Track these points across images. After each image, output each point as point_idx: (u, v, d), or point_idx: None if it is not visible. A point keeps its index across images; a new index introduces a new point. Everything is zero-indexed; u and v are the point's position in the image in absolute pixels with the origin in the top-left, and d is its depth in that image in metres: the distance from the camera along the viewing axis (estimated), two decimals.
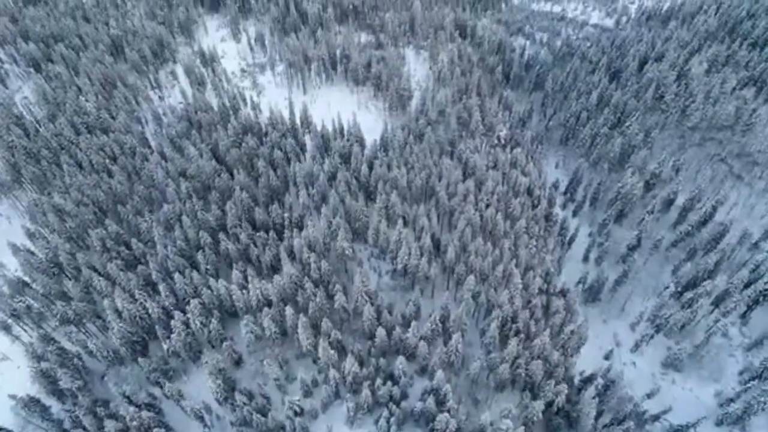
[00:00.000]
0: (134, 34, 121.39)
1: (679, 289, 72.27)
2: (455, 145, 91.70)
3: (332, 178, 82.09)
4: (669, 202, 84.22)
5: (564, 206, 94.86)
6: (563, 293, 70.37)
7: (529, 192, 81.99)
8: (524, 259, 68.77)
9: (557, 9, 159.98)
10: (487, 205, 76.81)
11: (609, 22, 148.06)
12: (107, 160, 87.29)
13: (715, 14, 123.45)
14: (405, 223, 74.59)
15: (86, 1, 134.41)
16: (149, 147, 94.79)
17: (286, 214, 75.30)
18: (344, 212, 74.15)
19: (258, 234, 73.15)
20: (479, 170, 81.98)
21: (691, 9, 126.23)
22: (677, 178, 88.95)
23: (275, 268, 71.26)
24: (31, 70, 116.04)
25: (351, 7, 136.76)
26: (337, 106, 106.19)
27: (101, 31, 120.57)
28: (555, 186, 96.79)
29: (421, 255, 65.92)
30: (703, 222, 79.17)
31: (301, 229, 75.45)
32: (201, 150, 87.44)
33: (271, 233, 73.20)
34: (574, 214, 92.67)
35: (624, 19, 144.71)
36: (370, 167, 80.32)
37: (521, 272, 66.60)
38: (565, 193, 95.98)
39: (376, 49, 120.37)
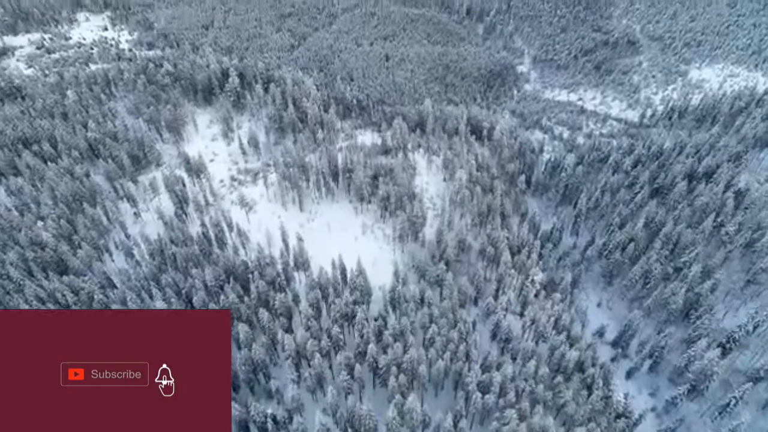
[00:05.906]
0: (114, 136, 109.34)
1: None
2: (481, 292, 76.00)
3: (333, 348, 65.52)
4: (756, 379, 66.95)
5: (613, 359, 77.50)
6: None
7: (581, 368, 64.96)
8: None
9: (573, 97, 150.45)
10: (531, 394, 59.65)
11: (632, 115, 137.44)
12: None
13: (756, 108, 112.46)
14: (425, 426, 57.24)
15: (69, 95, 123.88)
16: (114, 287, 79.00)
17: (269, 410, 58.01)
18: (346, 411, 56.86)
19: None
20: (515, 339, 65.51)
21: (730, 109, 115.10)
22: (754, 335, 72.52)
23: None
24: None
25: (354, 102, 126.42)
26: (339, 228, 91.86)
27: (78, 134, 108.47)
28: (600, 333, 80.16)
29: None
30: None
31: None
32: (172, 304, 71.50)
33: None
34: (628, 375, 75.14)
35: (648, 112, 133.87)
36: (379, 336, 63.87)
37: None
38: (613, 345, 78.89)
39: (383, 155, 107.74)
